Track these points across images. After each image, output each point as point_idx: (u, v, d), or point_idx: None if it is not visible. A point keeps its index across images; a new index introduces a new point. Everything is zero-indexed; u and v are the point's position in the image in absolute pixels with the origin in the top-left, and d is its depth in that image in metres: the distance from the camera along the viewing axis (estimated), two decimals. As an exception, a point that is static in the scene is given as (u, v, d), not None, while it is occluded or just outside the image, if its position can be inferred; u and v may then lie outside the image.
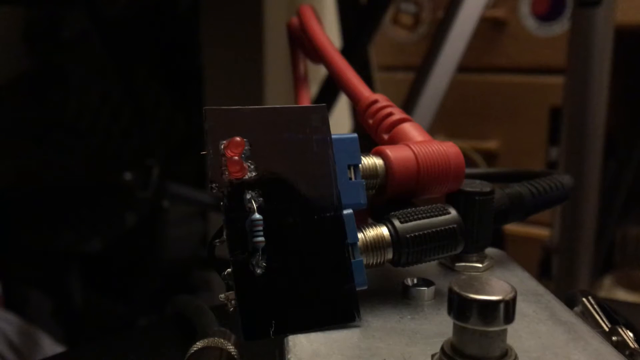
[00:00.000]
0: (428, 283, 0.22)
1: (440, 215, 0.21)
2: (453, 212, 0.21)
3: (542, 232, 0.98)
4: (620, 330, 0.22)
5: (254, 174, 0.20)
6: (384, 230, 0.21)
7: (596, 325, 0.23)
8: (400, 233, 0.21)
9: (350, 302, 0.20)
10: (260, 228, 0.19)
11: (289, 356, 0.18)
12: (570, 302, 0.25)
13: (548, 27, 1.04)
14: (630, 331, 0.22)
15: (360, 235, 0.21)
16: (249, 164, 0.20)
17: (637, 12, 0.92)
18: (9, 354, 0.60)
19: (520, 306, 0.20)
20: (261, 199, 0.20)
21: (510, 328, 0.16)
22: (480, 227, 0.24)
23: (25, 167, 0.90)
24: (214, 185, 0.19)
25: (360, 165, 0.21)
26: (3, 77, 0.92)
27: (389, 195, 0.23)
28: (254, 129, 0.20)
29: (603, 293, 0.95)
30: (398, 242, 0.21)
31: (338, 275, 0.20)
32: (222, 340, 0.26)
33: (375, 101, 0.26)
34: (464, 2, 0.67)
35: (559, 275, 0.68)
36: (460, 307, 0.16)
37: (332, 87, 0.73)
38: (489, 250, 0.25)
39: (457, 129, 1.10)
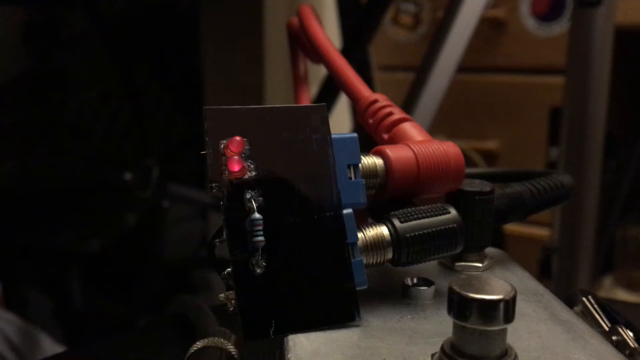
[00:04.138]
0: (428, 283, 0.22)
1: (440, 214, 0.21)
2: (453, 212, 0.21)
3: (542, 232, 0.98)
4: (620, 329, 0.22)
5: (253, 173, 0.20)
6: (383, 230, 0.21)
7: (596, 325, 0.23)
8: (400, 232, 0.21)
9: (350, 301, 0.20)
10: (260, 228, 0.19)
11: (289, 356, 0.18)
12: (570, 301, 0.25)
13: (548, 27, 1.04)
14: (630, 331, 0.22)
15: (360, 235, 0.21)
16: (248, 164, 0.20)
17: (637, 12, 0.91)
18: (9, 354, 0.60)
19: (520, 306, 0.20)
20: (261, 198, 0.20)
21: (510, 327, 0.16)
22: (480, 227, 0.24)
23: (25, 167, 0.90)
24: (214, 185, 0.19)
25: (360, 164, 0.21)
26: (3, 77, 0.92)
27: (389, 194, 0.23)
28: (253, 128, 0.20)
29: (603, 293, 0.95)
30: (398, 241, 0.21)
31: (338, 274, 0.20)
32: (222, 340, 0.26)
33: (375, 101, 0.26)
34: (464, 2, 0.67)
35: (559, 275, 0.68)
36: (460, 306, 0.16)
37: (332, 87, 0.73)
38: (489, 250, 0.25)
39: (457, 129, 1.10)
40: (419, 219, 0.21)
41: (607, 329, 0.23)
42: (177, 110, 1.06)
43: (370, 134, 0.26)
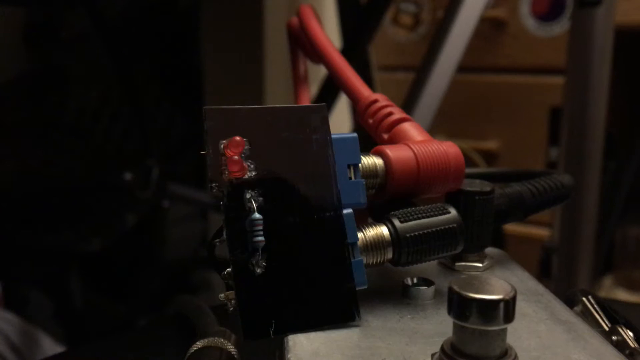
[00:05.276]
0: (428, 283, 0.22)
1: (440, 214, 0.21)
2: (453, 212, 0.21)
3: (542, 232, 0.98)
4: (620, 329, 0.22)
5: (253, 173, 0.20)
6: (383, 230, 0.21)
7: (596, 325, 0.23)
8: (400, 232, 0.21)
9: (350, 301, 0.20)
10: (260, 227, 0.19)
11: (289, 356, 0.18)
12: (570, 301, 0.25)
13: (548, 27, 1.04)
14: (630, 331, 0.22)
15: (360, 235, 0.21)
16: (248, 164, 0.20)
17: (637, 12, 0.92)
18: (9, 354, 0.60)
19: (520, 306, 0.20)
20: (261, 198, 0.20)
21: (510, 327, 0.16)
22: (480, 227, 0.24)
23: (25, 167, 0.90)
24: (214, 185, 0.19)
25: (360, 164, 0.21)
26: (3, 77, 0.92)
27: (389, 194, 0.23)
28: (253, 128, 0.20)
29: (603, 293, 0.95)
30: (398, 241, 0.21)
31: (338, 274, 0.20)
32: (222, 340, 0.26)
33: (375, 101, 0.26)
34: (464, 2, 0.67)
35: (559, 275, 0.68)
36: (460, 306, 0.16)
37: (332, 87, 0.73)
38: (489, 250, 0.25)
39: (457, 129, 1.10)
40: (419, 219, 0.21)
41: (607, 329, 0.23)
42: (177, 110, 1.06)
43: (370, 134, 0.26)
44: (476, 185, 0.24)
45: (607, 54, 0.62)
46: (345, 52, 0.55)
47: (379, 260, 0.21)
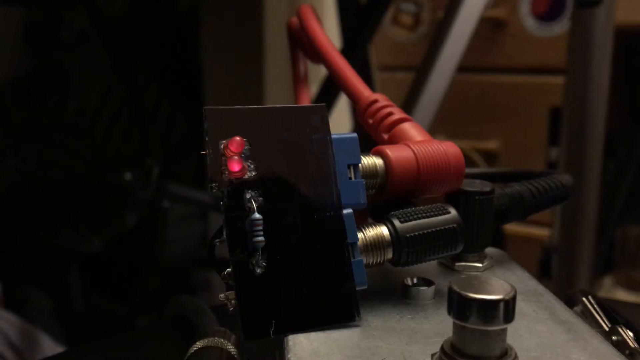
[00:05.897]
0: (428, 283, 0.22)
1: (440, 214, 0.21)
2: (453, 212, 0.21)
3: (542, 232, 0.98)
4: (620, 329, 0.22)
5: (253, 173, 0.20)
6: (383, 230, 0.21)
7: (596, 325, 0.23)
8: (400, 233, 0.21)
9: (350, 301, 0.20)
10: (260, 227, 0.19)
11: (289, 356, 0.18)
12: (570, 301, 0.25)
13: (548, 27, 1.04)
14: (630, 331, 0.22)
15: (360, 235, 0.21)
16: (248, 164, 0.20)
17: (637, 12, 0.92)
18: (9, 354, 0.60)
19: (520, 306, 0.20)
20: (261, 198, 0.20)
21: (510, 327, 0.16)
22: (480, 227, 0.24)
23: (25, 167, 0.90)
24: (214, 185, 0.19)
25: (360, 164, 0.21)
26: (3, 77, 0.92)
27: (389, 194, 0.23)
28: (253, 128, 0.20)
29: (603, 293, 0.95)
30: (398, 241, 0.21)
31: (338, 274, 0.20)
32: (222, 340, 0.26)
33: (375, 101, 0.26)
34: (464, 2, 0.67)
35: (559, 275, 0.68)
36: (460, 306, 0.16)
37: (332, 87, 0.73)
38: (489, 250, 0.25)
39: (457, 129, 1.10)
40: (419, 219, 0.21)
41: (607, 329, 0.23)
42: (177, 110, 1.06)
43: (370, 134, 0.26)
44: (476, 185, 0.24)
45: (607, 54, 0.62)
46: (345, 52, 0.55)
47: (379, 260, 0.21)
